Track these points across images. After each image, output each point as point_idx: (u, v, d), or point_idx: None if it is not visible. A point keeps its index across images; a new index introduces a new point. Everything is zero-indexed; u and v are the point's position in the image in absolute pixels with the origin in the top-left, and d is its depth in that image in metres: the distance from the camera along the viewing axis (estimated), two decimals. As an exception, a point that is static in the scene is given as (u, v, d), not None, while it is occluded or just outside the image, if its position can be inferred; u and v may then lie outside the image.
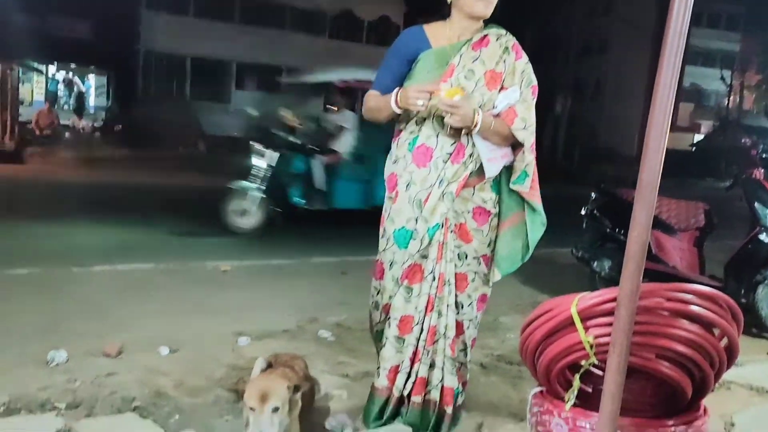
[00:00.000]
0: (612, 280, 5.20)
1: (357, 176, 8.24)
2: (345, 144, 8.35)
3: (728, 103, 33.75)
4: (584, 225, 5.73)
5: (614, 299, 2.08)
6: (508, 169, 2.72)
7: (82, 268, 5.42)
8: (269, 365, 2.76)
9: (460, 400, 2.81)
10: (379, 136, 7.64)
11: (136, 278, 5.31)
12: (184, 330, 4.04)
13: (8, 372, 3.21)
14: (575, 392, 2.30)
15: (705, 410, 2.37)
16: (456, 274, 2.68)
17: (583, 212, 5.72)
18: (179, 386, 3.21)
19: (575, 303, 2.22)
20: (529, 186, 2.70)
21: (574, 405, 2.31)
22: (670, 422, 2.25)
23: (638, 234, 1.94)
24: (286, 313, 4.55)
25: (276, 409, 2.25)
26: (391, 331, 2.71)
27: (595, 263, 5.52)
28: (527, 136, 2.62)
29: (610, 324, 2.08)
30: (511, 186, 2.71)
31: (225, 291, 5.15)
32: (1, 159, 12.22)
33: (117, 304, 4.53)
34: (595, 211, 5.59)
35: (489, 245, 2.75)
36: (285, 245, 6.90)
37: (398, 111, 2.60)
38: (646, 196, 1.92)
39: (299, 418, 2.47)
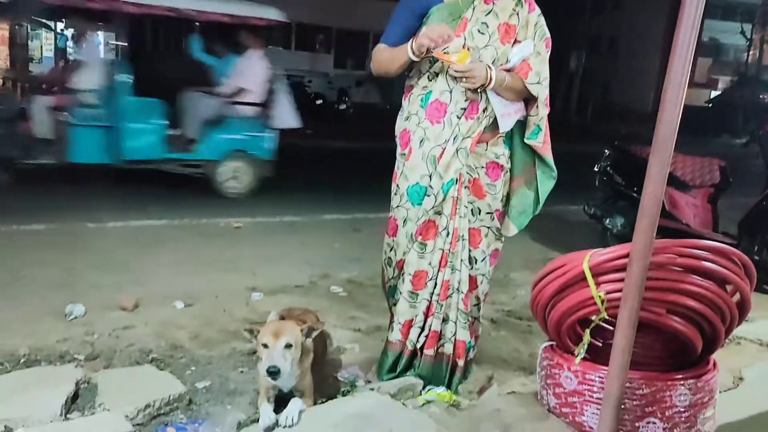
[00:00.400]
0: (623, 237, 5.20)
1: (97, 122, 6.67)
2: (84, 81, 6.72)
3: (747, 58, 32.95)
4: (597, 182, 5.70)
5: (627, 255, 2.08)
6: (521, 124, 2.70)
7: (96, 224, 5.48)
8: (282, 318, 2.82)
9: (471, 354, 2.86)
10: (122, 71, 6.75)
11: (149, 234, 5.37)
12: (198, 285, 4.10)
13: (28, 325, 3.28)
14: (585, 346, 2.32)
15: (714, 364, 2.39)
16: (469, 229, 2.69)
17: (596, 169, 5.68)
18: (194, 339, 3.28)
19: (587, 259, 2.22)
20: (542, 141, 2.69)
21: (584, 359, 2.34)
22: (679, 376, 2.27)
23: (653, 189, 1.92)
24: (298, 268, 4.60)
25: (288, 346, 2.30)
26: (405, 287, 2.73)
27: (607, 220, 5.51)
28: (541, 89, 2.59)
29: (622, 280, 2.09)
30: (525, 141, 2.69)
31: (237, 247, 5.20)
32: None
33: (132, 259, 4.59)
34: (608, 168, 5.55)
35: (501, 200, 2.75)
36: (297, 202, 6.91)
37: (415, 59, 2.57)
38: (662, 151, 1.90)
39: (312, 371, 2.53)
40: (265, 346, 2.30)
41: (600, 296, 2.18)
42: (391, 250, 2.80)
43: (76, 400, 2.44)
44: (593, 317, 2.27)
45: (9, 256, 4.42)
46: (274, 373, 2.24)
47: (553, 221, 6.51)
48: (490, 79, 2.48)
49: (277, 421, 2.24)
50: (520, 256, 5.19)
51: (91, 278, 4.10)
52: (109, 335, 3.25)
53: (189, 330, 3.39)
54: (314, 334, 2.46)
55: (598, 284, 2.20)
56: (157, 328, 3.38)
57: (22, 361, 2.88)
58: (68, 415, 2.30)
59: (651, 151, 1.89)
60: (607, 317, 2.26)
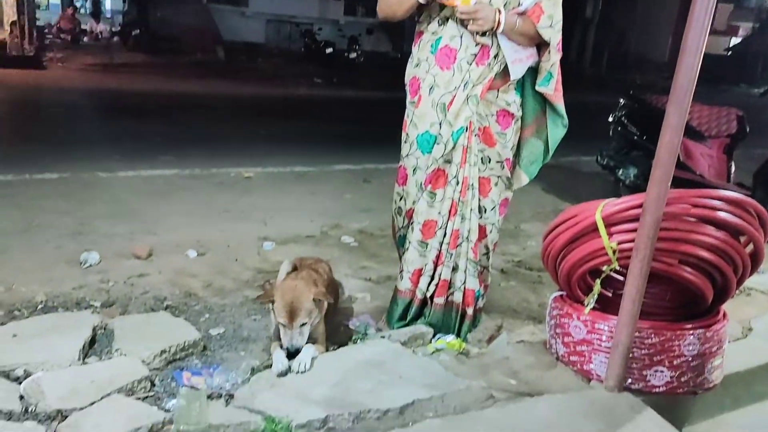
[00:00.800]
0: (636, 188, 5.15)
1: None
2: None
3: (769, 5, 31.90)
4: (611, 132, 5.62)
5: (640, 205, 2.07)
6: (533, 71, 2.64)
7: (107, 174, 5.49)
8: (294, 268, 2.84)
9: (480, 303, 2.88)
10: None
11: (160, 184, 5.38)
12: (209, 234, 4.13)
13: (44, 272, 3.33)
14: (595, 296, 2.33)
15: (724, 315, 2.40)
16: (479, 178, 2.67)
17: (610, 119, 5.60)
18: (208, 287, 3.32)
19: (600, 209, 2.21)
20: (554, 88, 2.63)
21: (593, 309, 2.35)
22: (689, 326, 2.29)
23: (670, 138, 1.90)
24: (309, 219, 4.61)
25: (304, 324, 2.35)
26: (414, 236, 2.74)
27: (620, 171, 5.44)
28: (553, 34, 2.51)
29: (635, 230, 2.09)
30: (537, 88, 2.64)
31: (248, 196, 5.21)
32: (21, 64, 12.12)
33: (144, 208, 4.62)
34: (622, 118, 5.46)
35: (512, 149, 2.72)
36: (307, 152, 6.88)
37: (423, 1, 2.51)
38: (681, 99, 1.86)
39: (324, 320, 2.57)
40: (282, 324, 2.36)
41: (612, 246, 2.18)
42: (401, 199, 2.79)
43: (94, 345, 2.50)
44: (604, 268, 2.27)
45: (23, 204, 4.45)
46: (293, 352, 2.31)
47: (564, 172, 6.46)
48: (499, 22, 2.41)
49: (290, 367, 2.29)
50: (530, 207, 5.18)
51: (104, 227, 4.13)
52: (124, 283, 3.30)
53: (202, 278, 3.43)
54: (325, 305, 2.50)
55: (610, 235, 2.20)
56: (171, 277, 3.42)
57: (39, 307, 2.93)
58: (86, 360, 2.36)
59: (669, 99, 1.86)
60: (618, 268, 2.27)
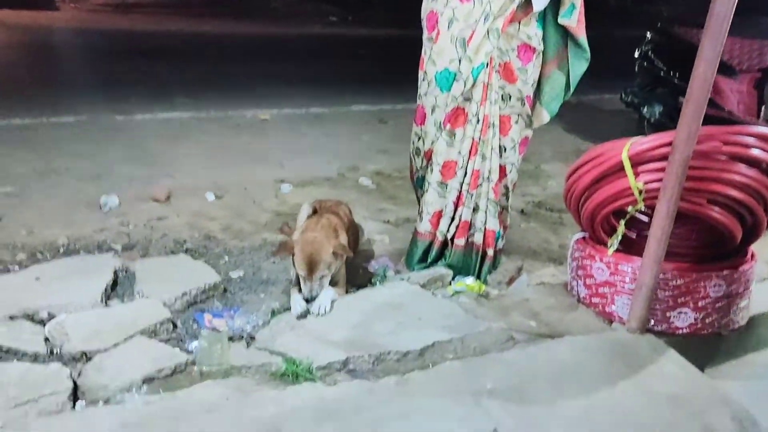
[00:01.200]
0: (662, 126, 5.00)
1: None
2: None
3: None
4: (636, 68, 5.42)
5: (669, 143, 1.99)
6: (555, 3, 2.51)
7: (124, 117, 5.46)
8: (314, 211, 2.82)
9: (500, 244, 2.85)
10: None
11: (176, 127, 5.34)
12: (227, 177, 4.11)
13: (64, 216, 3.35)
14: (619, 237, 2.28)
15: (752, 255, 2.34)
16: (500, 116, 2.59)
17: (635, 54, 5.39)
18: (226, 230, 3.32)
19: (627, 148, 2.13)
20: (576, 20, 2.50)
21: (616, 250, 2.31)
22: (716, 267, 2.24)
23: (703, 72, 1.80)
24: (326, 160, 4.57)
25: (324, 276, 2.34)
26: (434, 177, 2.69)
27: (645, 108, 5.27)
28: None
29: (662, 169, 2.02)
30: (559, 20, 2.51)
31: (265, 139, 5.16)
32: (34, 5, 11.94)
33: (161, 151, 4.60)
34: (649, 53, 5.25)
35: (532, 85, 2.61)
36: (323, 93, 6.77)
37: None
38: (717, 30, 1.76)
39: (344, 262, 2.57)
40: (302, 276, 2.35)
41: (638, 187, 2.11)
42: (419, 139, 2.73)
43: (115, 288, 2.52)
44: (629, 208, 2.21)
45: (42, 148, 4.46)
46: (310, 300, 2.31)
47: (586, 111, 6.29)
48: None
49: (308, 309, 2.30)
50: (551, 147, 5.07)
51: (123, 170, 4.13)
52: (143, 226, 3.31)
53: (220, 221, 3.43)
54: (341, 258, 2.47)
55: (636, 174, 2.13)
56: (189, 219, 3.42)
57: (61, 251, 2.96)
58: (108, 302, 2.38)
59: (704, 30, 1.75)
60: (643, 208, 2.21)
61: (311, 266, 2.31)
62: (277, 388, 1.82)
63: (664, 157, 2.03)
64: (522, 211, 3.75)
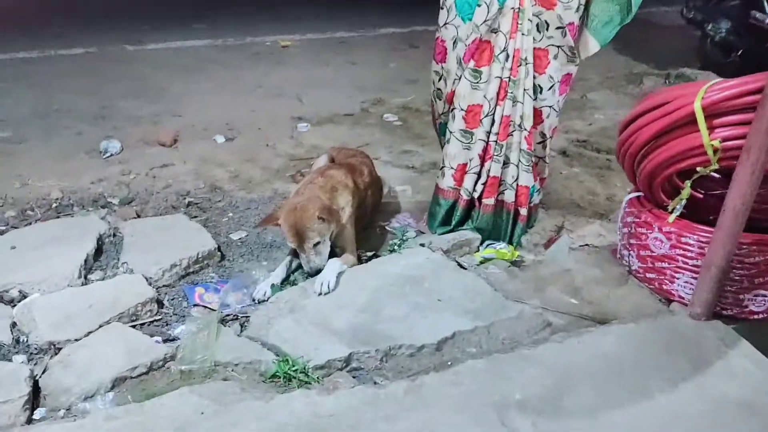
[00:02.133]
0: (727, 45, 4.41)
1: None
2: None
3: None
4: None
5: (758, 90, 1.55)
6: None
7: (135, 47, 5.14)
8: (332, 161, 2.51)
9: (536, 199, 2.45)
10: None
11: (190, 56, 4.99)
12: (240, 114, 3.80)
13: (62, 164, 3.11)
14: (683, 201, 1.88)
15: None
16: (534, 50, 2.14)
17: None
18: (234, 179, 3.03)
19: (700, 95, 1.68)
20: None
21: (679, 216, 1.91)
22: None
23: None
24: (348, 94, 4.19)
25: (317, 243, 2.05)
26: (456, 124, 2.27)
27: (709, 25, 4.63)
28: None
29: (747, 123, 1.59)
30: None
31: (284, 68, 4.77)
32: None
33: (171, 86, 4.28)
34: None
35: (577, 10, 2.12)
36: (349, 16, 6.25)
37: None
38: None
39: (357, 222, 2.27)
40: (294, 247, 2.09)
41: (713, 144, 1.69)
42: (440, 79, 2.31)
43: (100, 257, 2.26)
44: (698, 169, 1.80)
45: (44, 84, 4.19)
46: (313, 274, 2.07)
47: (640, 27, 5.56)
48: None
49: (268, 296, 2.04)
50: (598, 71, 4.53)
51: (128, 108, 3.86)
52: (146, 175, 3.05)
53: (229, 168, 3.14)
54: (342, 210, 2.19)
55: (711, 129, 1.69)
56: (196, 166, 3.15)
57: (53, 206, 2.72)
58: (88, 276, 2.12)
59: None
60: (717, 168, 1.79)
61: (299, 236, 2.03)
62: (264, 397, 1.54)
63: (748, 108, 1.60)
64: (564, 153, 3.32)
